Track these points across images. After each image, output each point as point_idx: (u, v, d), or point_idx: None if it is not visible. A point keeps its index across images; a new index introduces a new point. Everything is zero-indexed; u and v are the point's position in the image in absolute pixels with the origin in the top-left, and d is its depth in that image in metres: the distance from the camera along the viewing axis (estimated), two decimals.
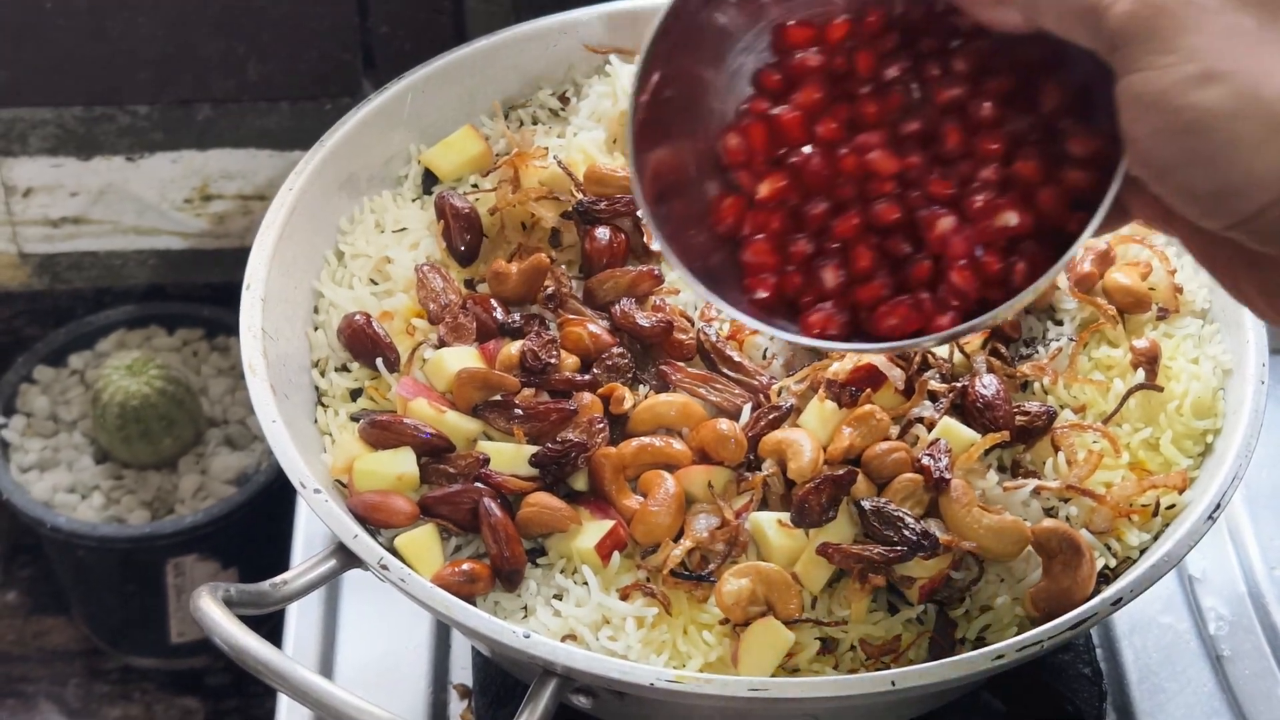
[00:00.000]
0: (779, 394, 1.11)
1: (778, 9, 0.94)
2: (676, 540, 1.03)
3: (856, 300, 0.93)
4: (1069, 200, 0.88)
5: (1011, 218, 0.88)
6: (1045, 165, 0.88)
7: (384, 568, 0.99)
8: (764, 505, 1.06)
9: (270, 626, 1.10)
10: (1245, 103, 0.72)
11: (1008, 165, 0.89)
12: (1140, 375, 1.11)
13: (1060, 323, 1.17)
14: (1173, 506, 1.06)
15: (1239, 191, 0.73)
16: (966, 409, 1.08)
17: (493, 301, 1.16)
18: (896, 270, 0.93)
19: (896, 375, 1.09)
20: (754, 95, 0.95)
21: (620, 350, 1.12)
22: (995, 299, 0.89)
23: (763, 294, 0.94)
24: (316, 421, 1.14)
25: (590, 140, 1.26)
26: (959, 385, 1.09)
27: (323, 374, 1.17)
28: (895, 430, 1.08)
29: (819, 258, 0.94)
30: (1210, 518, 1.01)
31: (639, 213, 0.94)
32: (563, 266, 1.19)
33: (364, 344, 1.14)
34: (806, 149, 0.92)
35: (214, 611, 0.94)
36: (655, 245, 0.97)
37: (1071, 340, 1.14)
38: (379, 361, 1.14)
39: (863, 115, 0.92)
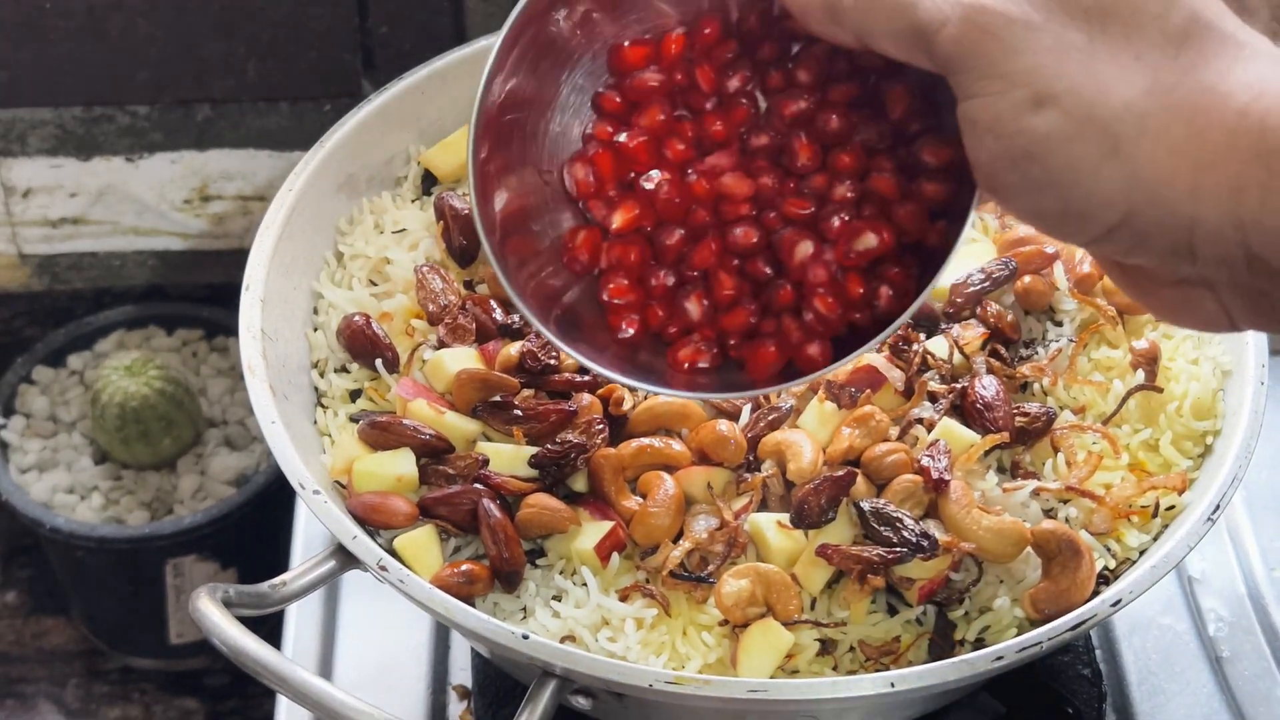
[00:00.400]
0: (778, 395, 1.11)
1: (612, 28, 0.91)
2: (676, 541, 1.03)
3: (723, 328, 0.91)
4: (927, 213, 0.86)
5: (870, 239, 0.86)
6: (900, 179, 0.86)
7: (383, 569, 0.99)
8: (763, 506, 1.06)
9: (269, 627, 1.10)
10: (1079, 125, 0.70)
11: (862, 180, 0.87)
12: (1140, 376, 1.11)
13: (1060, 324, 1.17)
14: (1172, 508, 1.06)
15: (1084, 214, 0.72)
16: (966, 410, 1.08)
17: (492, 302, 1.16)
18: (760, 293, 0.91)
19: (896, 376, 1.09)
20: (596, 119, 0.92)
21: None
22: (861, 322, 0.88)
23: (629, 331, 0.92)
24: (316, 422, 1.14)
25: None
26: (958, 386, 1.09)
27: (322, 375, 1.17)
28: (895, 431, 1.08)
29: (681, 288, 0.92)
30: (1210, 519, 1.01)
31: (487, 254, 0.90)
32: None
33: (363, 345, 1.14)
34: (655, 174, 0.90)
35: (213, 612, 0.94)
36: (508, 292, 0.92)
37: (1071, 341, 1.14)
38: (378, 362, 1.14)
39: (710, 133, 0.90)
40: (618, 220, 0.91)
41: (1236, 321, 0.75)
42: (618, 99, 0.91)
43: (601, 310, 0.93)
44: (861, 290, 0.87)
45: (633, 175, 0.91)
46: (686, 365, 0.92)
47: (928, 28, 0.72)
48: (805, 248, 0.88)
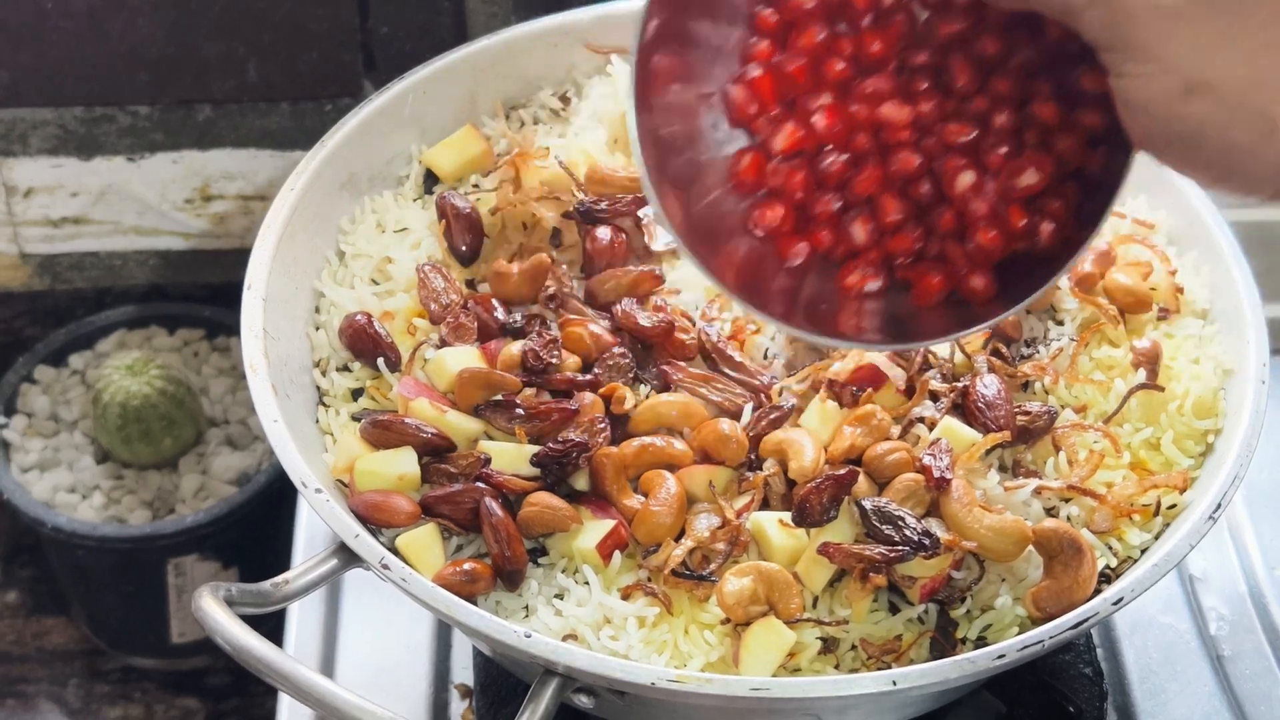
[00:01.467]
0: (780, 394, 1.11)
1: None
2: (678, 540, 1.04)
3: (890, 252, 0.92)
4: (1086, 141, 0.87)
5: (1032, 176, 0.87)
6: (1060, 106, 0.87)
7: (385, 567, 0.99)
8: (765, 505, 1.06)
9: (271, 626, 1.10)
10: (1234, 112, 0.72)
11: (1021, 106, 0.88)
12: (1141, 375, 1.11)
13: (1061, 323, 1.17)
14: (1174, 506, 1.07)
15: (1244, 187, 0.74)
16: (967, 409, 1.08)
17: (494, 301, 1.16)
18: (924, 216, 0.92)
19: (898, 375, 1.09)
20: (754, 39, 0.92)
21: (621, 350, 1.12)
22: (1023, 250, 0.89)
23: (798, 260, 0.93)
24: (318, 421, 1.14)
25: (591, 140, 1.26)
26: (960, 385, 1.09)
27: (324, 374, 1.17)
28: (896, 430, 1.08)
29: (846, 212, 0.93)
30: (1211, 518, 1.01)
31: (646, 198, 0.91)
32: (564, 266, 1.19)
33: (365, 344, 1.15)
34: (817, 100, 0.90)
35: (215, 611, 0.94)
36: (658, 240, 0.93)
37: (1072, 340, 1.15)
38: (380, 361, 1.14)
39: (868, 52, 0.90)
40: (781, 142, 0.91)
41: None
42: (773, 18, 0.91)
43: (766, 244, 0.94)
44: (1024, 222, 0.88)
45: (794, 98, 0.92)
46: (855, 291, 0.93)
47: (1072, 7, 0.75)
48: (966, 178, 0.89)
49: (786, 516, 1.03)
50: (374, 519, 1.05)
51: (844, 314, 0.93)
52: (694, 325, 1.14)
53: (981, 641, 1.02)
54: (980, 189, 0.88)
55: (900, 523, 1.00)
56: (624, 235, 1.19)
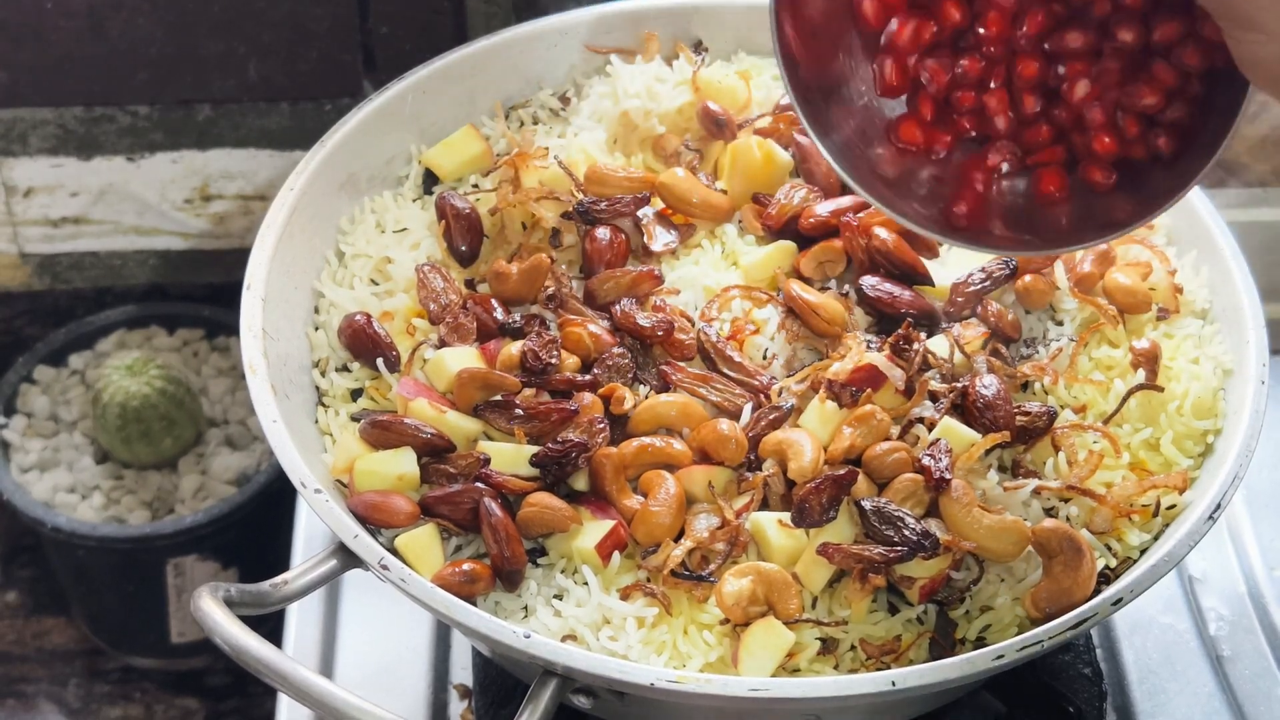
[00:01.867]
0: (779, 394, 1.11)
1: None
2: (677, 540, 1.04)
3: (1026, 141, 0.97)
4: (1210, 50, 0.90)
5: (1150, 97, 0.92)
6: (1183, 22, 0.90)
7: (384, 568, 0.99)
8: (764, 505, 1.06)
9: (270, 627, 1.10)
10: None
11: (1145, 19, 0.92)
12: (1140, 375, 1.11)
13: (1060, 323, 1.17)
14: (1173, 507, 1.07)
15: None
16: (967, 409, 1.08)
17: (493, 302, 1.16)
18: (1050, 106, 0.96)
19: (897, 375, 1.09)
20: None
21: (621, 350, 1.12)
22: (1137, 156, 0.94)
23: (942, 152, 0.99)
24: (317, 421, 1.14)
25: (591, 140, 1.26)
26: (959, 385, 1.09)
27: (323, 374, 1.17)
28: (896, 430, 1.08)
29: (984, 108, 0.98)
30: (1210, 518, 1.01)
31: (786, 100, 0.99)
32: (563, 267, 1.19)
33: (364, 344, 1.14)
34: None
35: (214, 612, 0.94)
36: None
37: (1072, 340, 1.15)
38: (379, 361, 1.14)
39: None
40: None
41: None
42: None
43: (900, 149, 1.00)
44: (1137, 130, 0.93)
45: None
46: (995, 168, 0.98)
47: None
48: (1083, 88, 0.94)
49: (786, 517, 1.03)
50: (373, 519, 1.05)
51: (979, 204, 0.99)
52: (693, 325, 1.14)
53: (981, 642, 1.02)
54: (1097, 98, 0.94)
55: (899, 523, 1.00)
56: (623, 235, 1.19)
